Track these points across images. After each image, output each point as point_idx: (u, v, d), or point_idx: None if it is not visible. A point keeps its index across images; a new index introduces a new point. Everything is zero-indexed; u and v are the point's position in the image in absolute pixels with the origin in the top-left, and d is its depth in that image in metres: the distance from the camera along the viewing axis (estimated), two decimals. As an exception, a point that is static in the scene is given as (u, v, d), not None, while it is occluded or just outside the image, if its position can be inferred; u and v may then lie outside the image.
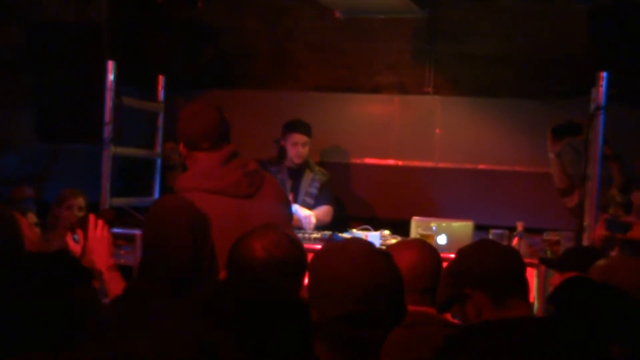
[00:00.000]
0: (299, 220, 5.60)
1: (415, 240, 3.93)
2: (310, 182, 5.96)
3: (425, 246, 3.19)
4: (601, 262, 3.03)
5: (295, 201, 5.80)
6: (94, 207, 5.30)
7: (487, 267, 2.63)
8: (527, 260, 4.90)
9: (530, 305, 2.66)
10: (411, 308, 2.70)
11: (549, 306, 2.82)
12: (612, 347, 2.13)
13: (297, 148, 5.91)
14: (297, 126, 5.98)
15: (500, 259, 2.65)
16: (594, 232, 4.78)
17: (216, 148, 3.59)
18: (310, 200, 5.89)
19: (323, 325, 1.95)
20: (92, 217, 3.12)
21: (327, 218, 5.86)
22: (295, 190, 5.89)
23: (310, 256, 2.23)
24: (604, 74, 4.96)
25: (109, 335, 2.40)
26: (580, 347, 2.11)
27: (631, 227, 4.46)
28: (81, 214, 5.66)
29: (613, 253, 4.33)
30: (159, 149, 6.12)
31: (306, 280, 2.23)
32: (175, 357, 1.87)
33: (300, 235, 5.18)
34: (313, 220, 5.67)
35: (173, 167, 6.15)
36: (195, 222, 2.74)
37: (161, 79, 6.11)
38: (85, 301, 1.85)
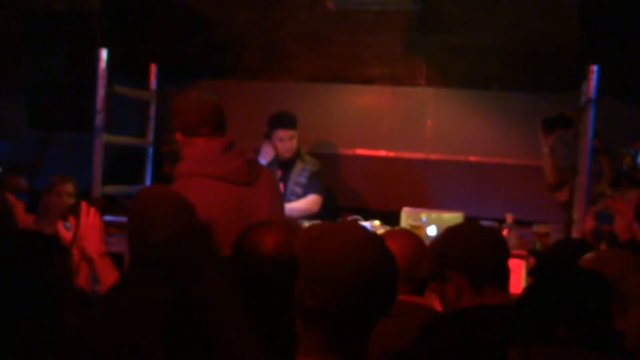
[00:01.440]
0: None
1: (400, 229, 3.95)
2: (300, 172, 5.95)
3: (411, 235, 3.21)
4: (590, 254, 3.05)
5: (285, 191, 5.81)
6: (85, 194, 5.31)
7: (471, 253, 2.64)
8: (516, 252, 4.97)
9: (509, 294, 2.67)
10: (399, 297, 2.73)
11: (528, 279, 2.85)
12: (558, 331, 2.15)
13: (284, 143, 5.87)
14: (280, 121, 5.88)
15: (485, 247, 2.66)
16: (583, 225, 4.81)
17: (216, 134, 3.60)
18: (299, 190, 5.89)
19: (318, 311, 1.94)
20: (84, 205, 3.14)
21: (315, 207, 5.86)
22: (285, 180, 5.89)
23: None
24: (594, 67, 4.97)
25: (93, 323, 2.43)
26: (534, 328, 2.13)
27: (613, 219, 4.49)
28: (71, 200, 5.66)
29: (602, 247, 4.36)
30: (150, 138, 6.13)
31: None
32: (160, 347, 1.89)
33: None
34: (302, 207, 5.71)
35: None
36: (180, 209, 2.74)
37: (153, 68, 6.11)
38: (59, 273, 1.90)
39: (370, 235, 2.10)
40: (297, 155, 5.97)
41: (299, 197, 5.86)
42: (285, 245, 2.46)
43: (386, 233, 3.30)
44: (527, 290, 2.34)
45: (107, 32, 5.73)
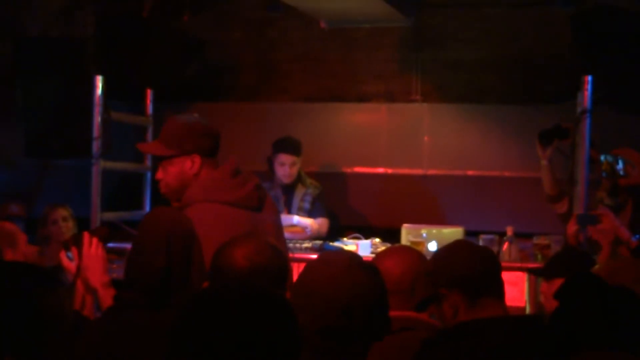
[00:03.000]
0: (304, 228, 5.59)
1: (400, 246, 3.95)
2: (302, 197, 5.89)
3: (411, 252, 3.21)
4: (604, 263, 3.05)
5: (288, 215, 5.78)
6: (84, 222, 5.30)
7: (462, 267, 2.66)
8: (518, 264, 4.97)
9: (505, 306, 2.68)
10: (401, 314, 2.73)
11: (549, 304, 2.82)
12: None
13: (284, 168, 5.81)
14: (283, 146, 5.83)
15: (474, 259, 2.69)
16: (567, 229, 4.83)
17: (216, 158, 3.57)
18: (303, 215, 5.85)
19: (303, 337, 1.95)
20: (86, 235, 3.12)
21: (324, 229, 5.84)
22: (289, 205, 5.85)
23: (300, 265, 2.24)
24: (588, 78, 4.99)
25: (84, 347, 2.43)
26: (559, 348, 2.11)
27: (600, 220, 4.49)
28: (68, 224, 5.66)
29: (600, 258, 4.35)
30: (148, 163, 6.12)
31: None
32: None
33: (291, 245, 5.19)
34: (315, 226, 5.67)
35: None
36: (173, 235, 2.74)
37: (149, 93, 6.11)
38: (51, 308, 1.86)
39: (354, 263, 2.11)
40: (297, 179, 5.92)
41: None
42: (254, 252, 2.49)
43: (386, 250, 3.30)
44: (559, 312, 2.30)
45: (101, 58, 5.74)
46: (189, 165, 3.44)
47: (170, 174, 3.46)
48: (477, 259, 2.70)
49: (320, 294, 2.00)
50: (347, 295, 2.01)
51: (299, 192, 5.89)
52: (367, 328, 2.05)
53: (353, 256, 2.24)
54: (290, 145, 5.83)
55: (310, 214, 5.83)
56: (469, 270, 2.65)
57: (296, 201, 5.86)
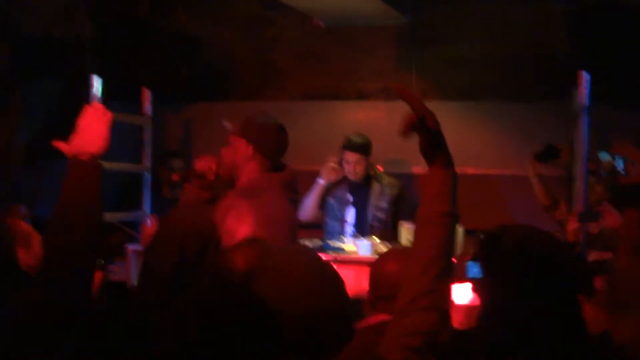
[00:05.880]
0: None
1: (401, 249, 3.94)
2: (379, 196, 5.79)
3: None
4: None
5: (362, 216, 5.68)
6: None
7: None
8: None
9: None
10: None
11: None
12: None
13: (349, 166, 5.80)
14: (346, 143, 5.86)
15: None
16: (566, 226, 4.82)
17: None
18: (381, 215, 5.74)
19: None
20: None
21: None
22: (359, 205, 5.70)
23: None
24: (585, 74, 4.98)
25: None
26: None
27: (601, 215, 4.48)
28: None
29: (593, 255, 4.34)
30: (147, 163, 6.12)
31: None
32: None
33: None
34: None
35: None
36: (189, 235, 2.74)
37: (147, 93, 6.11)
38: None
39: (308, 274, 2.02)
40: (372, 177, 5.83)
41: (382, 222, 5.72)
42: (257, 259, 2.49)
43: (387, 254, 3.30)
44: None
45: (99, 58, 5.74)
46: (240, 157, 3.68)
47: None
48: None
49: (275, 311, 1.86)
50: (303, 311, 1.92)
51: (375, 190, 5.81)
52: (325, 340, 1.97)
53: (309, 262, 2.12)
54: (354, 144, 5.84)
55: (395, 215, 5.72)
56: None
57: (373, 200, 5.77)
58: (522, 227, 2.20)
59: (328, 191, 5.82)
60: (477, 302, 2.14)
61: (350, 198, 5.65)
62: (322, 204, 5.84)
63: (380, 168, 6.00)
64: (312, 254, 2.13)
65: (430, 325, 1.94)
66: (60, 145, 2.66)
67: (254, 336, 1.58)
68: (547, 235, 2.19)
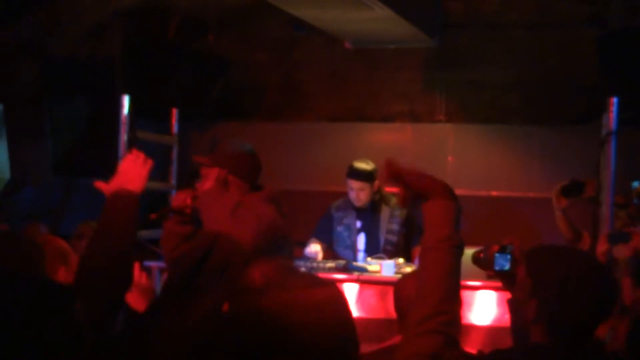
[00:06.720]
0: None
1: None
2: (389, 219, 5.73)
3: None
4: None
5: (372, 241, 5.64)
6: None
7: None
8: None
9: None
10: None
11: None
12: None
13: (352, 193, 5.72)
14: (351, 172, 5.70)
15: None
16: (596, 248, 4.78)
17: None
18: (393, 238, 5.68)
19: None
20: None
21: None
22: (368, 229, 5.65)
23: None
24: (614, 100, 4.97)
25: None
26: None
27: (631, 237, 4.44)
28: None
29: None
30: (173, 181, 6.16)
31: None
32: None
33: (314, 265, 5.19)
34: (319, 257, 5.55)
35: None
36: (210, 253, 2.76)
37: (175, 112, 6.16)
38: (60, 326, 1.81)
39: (309, 307, 1.98)
40: (379, 200, 5.77)
41: (394, 244, 5.67)
42: (274, 276, 2.49)
43: (410, 274, 3.30)
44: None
45: (128, 78, 5.79)
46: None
47: None
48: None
49: (269, 329, 1.81)
50: (307, 344, 1.83)
51: (384, 214, 5.73)
52: None
53: (309, 292, 1.99)
54: (357, 172, 5.69)
55: (406, 236, 5.68)
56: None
57: (383, 224, 5.70)
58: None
59: (337, 220, 5.79)
60: (500, 323, 2.17)
61: (359, 224, 5.62)
62: (331, 233, 5.79)
63: (386, 188, 5.92)
64: (328, 282, 2.11)
65: (435, 348, 1.98)
66: (101, 185, 2.75)
67: (260, 354, 1.59)
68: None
